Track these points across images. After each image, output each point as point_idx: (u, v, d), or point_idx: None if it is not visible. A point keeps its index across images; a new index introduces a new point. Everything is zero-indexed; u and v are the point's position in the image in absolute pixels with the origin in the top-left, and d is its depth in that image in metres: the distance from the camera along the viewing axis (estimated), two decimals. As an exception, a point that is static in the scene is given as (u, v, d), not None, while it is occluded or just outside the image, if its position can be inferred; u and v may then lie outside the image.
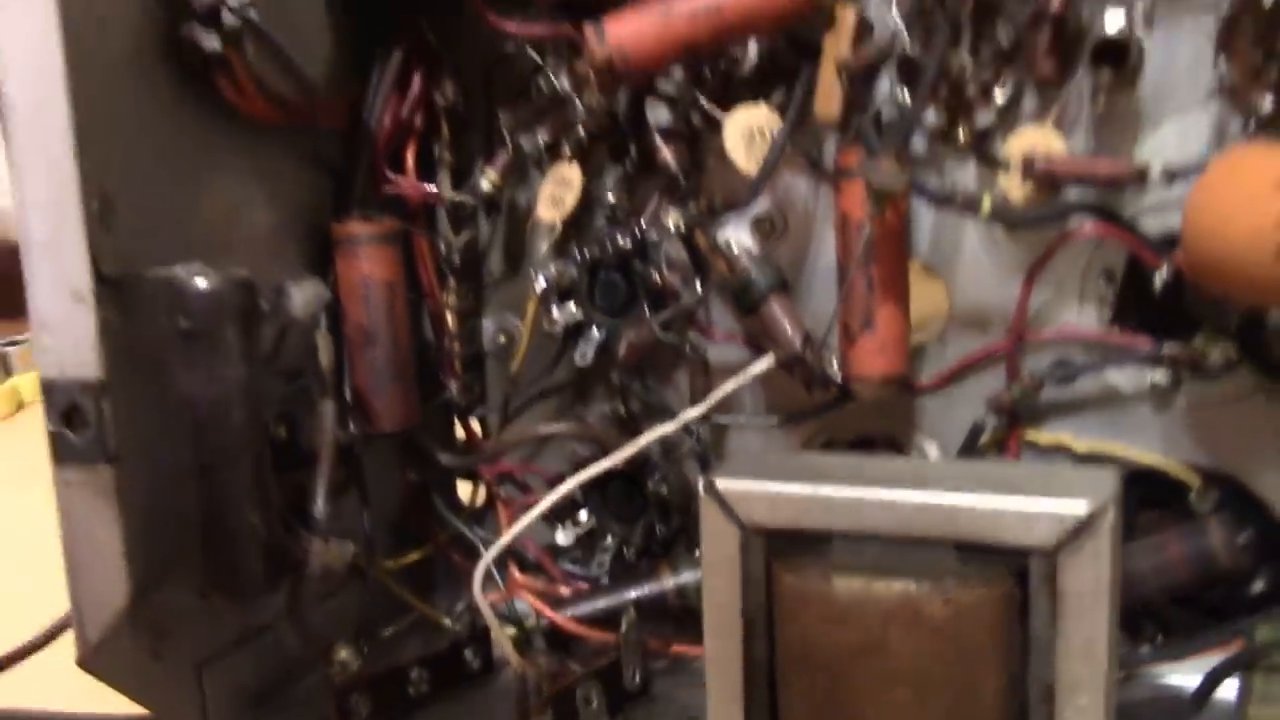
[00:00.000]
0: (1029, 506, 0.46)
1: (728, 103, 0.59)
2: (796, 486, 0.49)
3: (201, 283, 0.49)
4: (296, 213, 0.62)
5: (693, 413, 0.59)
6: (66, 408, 0.48)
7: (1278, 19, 0.51)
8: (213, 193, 0.56)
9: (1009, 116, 0.56)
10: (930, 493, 0.47)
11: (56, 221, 0.47)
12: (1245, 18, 0.52)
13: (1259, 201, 0.46)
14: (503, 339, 0.69)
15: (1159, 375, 0.57)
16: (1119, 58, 0.52)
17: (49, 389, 0.49)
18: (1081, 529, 0.46)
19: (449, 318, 0.67)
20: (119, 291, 0.49)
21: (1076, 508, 0.45)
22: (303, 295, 0.52)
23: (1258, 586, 0.58)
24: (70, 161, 0.47)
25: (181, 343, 0.49)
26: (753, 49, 0.59)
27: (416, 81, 0.64)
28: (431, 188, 0.65)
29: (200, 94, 0.54)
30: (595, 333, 0.64)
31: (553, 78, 0.63)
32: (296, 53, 0.56)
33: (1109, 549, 0.45)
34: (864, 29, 0.57)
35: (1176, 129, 0.55)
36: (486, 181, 0.65)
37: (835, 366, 0.58)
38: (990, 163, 0.56)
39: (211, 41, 0.53)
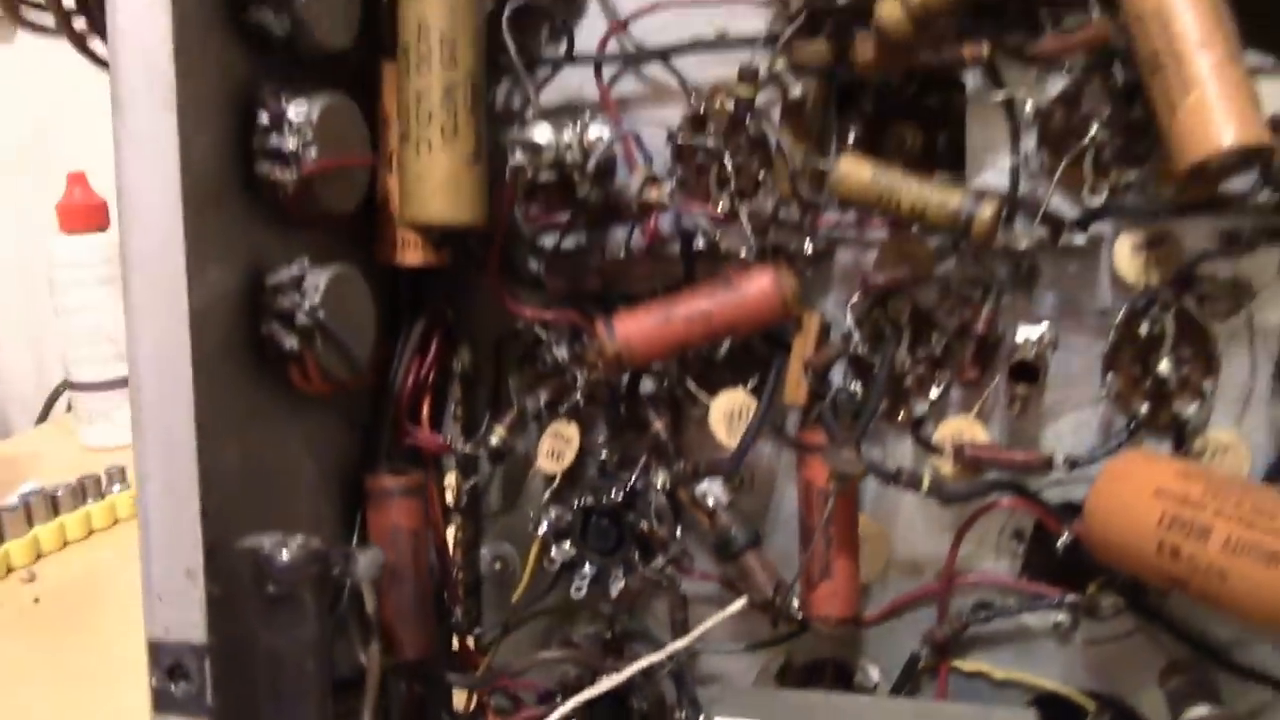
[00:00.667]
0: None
1: (706, 382, 0.71)
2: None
3: (284, 554, 0.58)
4: (334, 467, 0.71)
5: (679, 644, 0.70)
6: (171, 665, 0.57)
7: (1150, 347, 0.65)
8: (275, 458, 0.65)
9: (939, 406, 0.69)
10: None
11: (175, 509, 0.56)
12: (1126, 344, 0.66)
13: (1143, 503, 0.60)
14: (499, 565, 0.79)
15: (1061, 616, 0.70)
16: (1031, 376, 0.66)
17: (155, 649, 0.57)
18: (1014, 767, 0.57)
19: (453, 550, 0.77)
20: (214, 561, 0.58)
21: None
22: (366, 560, 0.62)
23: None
24: (190, 452, 0.56)
25: (267, 606, 0.58)
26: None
27: (434, 347, 0.75)
28: (444, 439, 0.75)
29: (274, 378, 0.64)
30: (587, 568, 0.74)
31: (556, 350, 0.74)
32: (351, 340, 0.66)
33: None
34: (825, 331, 0.69)
35: (1073, 424, 0.68)
36: (496, 437, 0.75)
37: (798, 607, 0.70)
38: (924, 445, 0.69)
39: (290, 340, 0.62)
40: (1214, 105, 0.57)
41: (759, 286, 0.67)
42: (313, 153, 0.61)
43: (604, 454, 0.74)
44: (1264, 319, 0.66)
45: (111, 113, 0.56)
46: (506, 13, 0.69)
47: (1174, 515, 0.58)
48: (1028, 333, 0.67)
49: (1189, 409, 0.66)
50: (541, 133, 0.66)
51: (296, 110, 0.61)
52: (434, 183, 0.65)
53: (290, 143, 0.60)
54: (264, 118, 0.61)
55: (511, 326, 0.75)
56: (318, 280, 0.62)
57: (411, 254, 0.71)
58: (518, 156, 0.67)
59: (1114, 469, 0.62)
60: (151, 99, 0.55)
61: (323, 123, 0.61)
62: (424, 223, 0.66)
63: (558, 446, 0.74)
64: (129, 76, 0.55)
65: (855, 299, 0.68)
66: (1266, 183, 0.62)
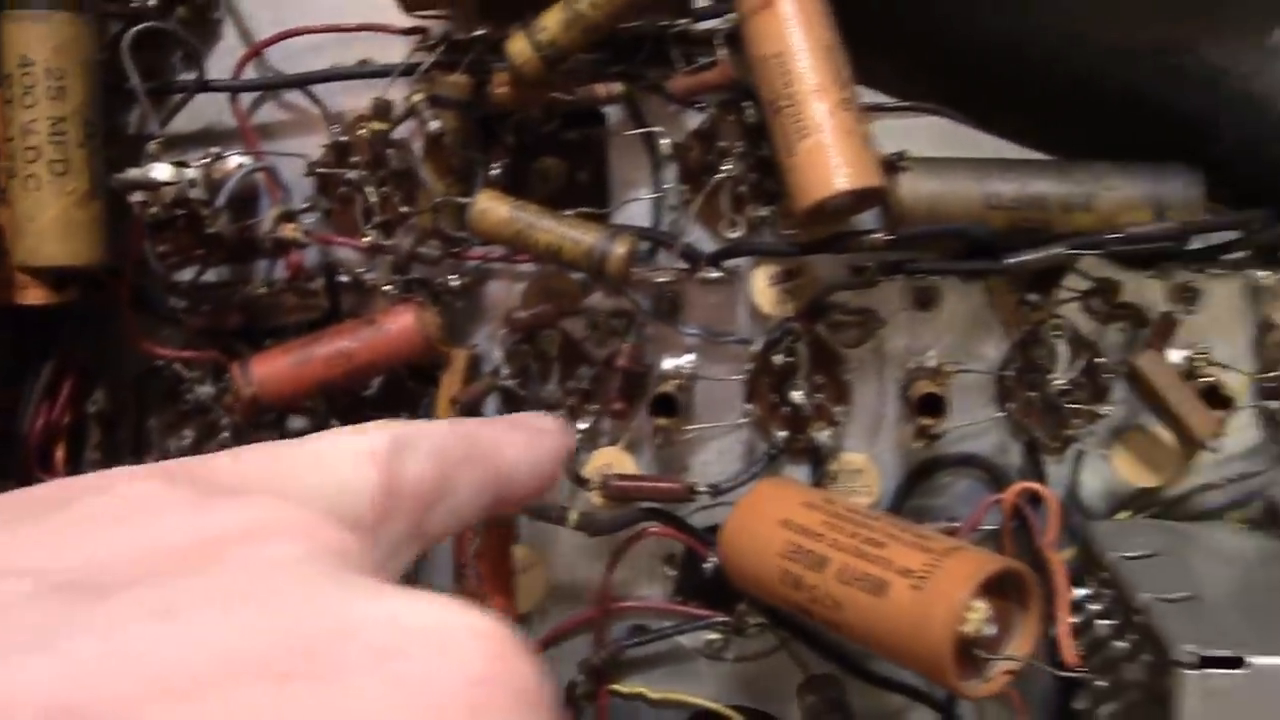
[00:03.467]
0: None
1: (357, 418, 0.70)
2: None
3: None
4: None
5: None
6: None
7: (785, 375, 0.68)
8: None
9: (592, 438, 0.70)
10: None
11: None
12: (763, 373, 0.68)
13: (770, 533, 0.61)
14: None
15: (713, 636, 0.72)
16: (670, 408, 0.67)
17: None
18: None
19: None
20: None
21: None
22: None
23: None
24: None
25: None
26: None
27: (67, 388, 0.70)
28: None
29: None
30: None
31: (200, 389, 0.71)
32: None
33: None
34: (474, 367, 0.69)
35: (718, 451, 0.70)
36: (136, 481, 0.71)
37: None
38: (575, 478, 0.69)
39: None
40: (829, 149, 0.59)
41: (400, 324, 0.65)
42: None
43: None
44: (891, 347, 0.69)
45: None
46: (128, 39, 0.65)
47: (796, 545, 0.60)
48: (672, 363, 0.68)
49: (824, 434, 0.68)
50: (160, 170, 0.63)
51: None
52: (44, 222, 0.61)
53: None
54: None
55: (151, 365, 0.71)
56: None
57: (31, 294, 0.66)
58: (136, 194, 0.63)
59: (745, 500, 0.64)
60: None
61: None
62: (35, 265, 0.62)
63: (204, 489, 0.71)
64: None
65: (503, 333, 0.68)
66: (886, 221, 0.65)
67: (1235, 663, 0.49)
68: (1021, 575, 0.57)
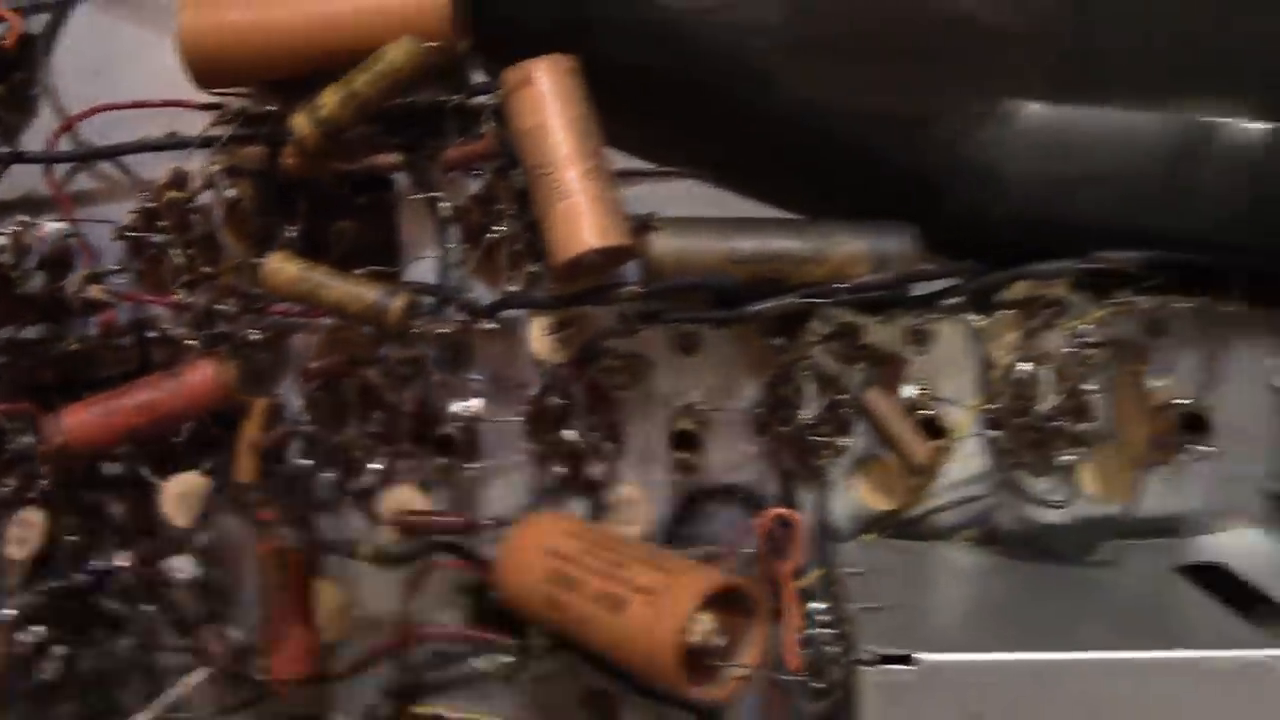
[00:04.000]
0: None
1: (170, 466, 0.75)
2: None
3: None
4: None
5: (141, 718, 0.73)
6: None
7: (561, 416, 0.74)
8: None
9: (387, 477, 0.76)
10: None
11: None
12: (540, 415, 0.75)
13: (536, 560, 0.68)
14: (-26, 653, 0.79)
15: (505, 659, 0.78)
16: (450, 448, 0.73)
17: None
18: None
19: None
20: None
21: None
22: None
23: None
24: None
25: None
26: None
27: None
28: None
29: None
30: (58, 650, 0.76)
31: (20, 439, 0.75)
32: None
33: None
34: (275, 413, 0.75)
35: (504, 487, 0.77)
36: (-46, 526, 0.76)
37: (260, 671, 0.74)
38: (371, 515, 0.75)
39: None
40: (581, 211, 0.67)
41: (199, 376, 0.71)
42: None
43: (71, 538, 0.77)
44: (659, 388, 0.76)
45: None
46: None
47: (556, 570, 0.66)
48: (459, 407, 0.75)
49: (598, 470, 0.75)
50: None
51: None
52: None
53: None
54: None
55: (-29, 416, 0.76)
56: None
57: None
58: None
59: (516, 531, 0.70)
60: None
61: None
62: None
63: (23, 533, 0.76)
64: None
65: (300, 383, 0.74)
66: (642, 275, 0.72)
67: (906, 660, 0.56)
68: (748, 591, 0.64)
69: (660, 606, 0.61)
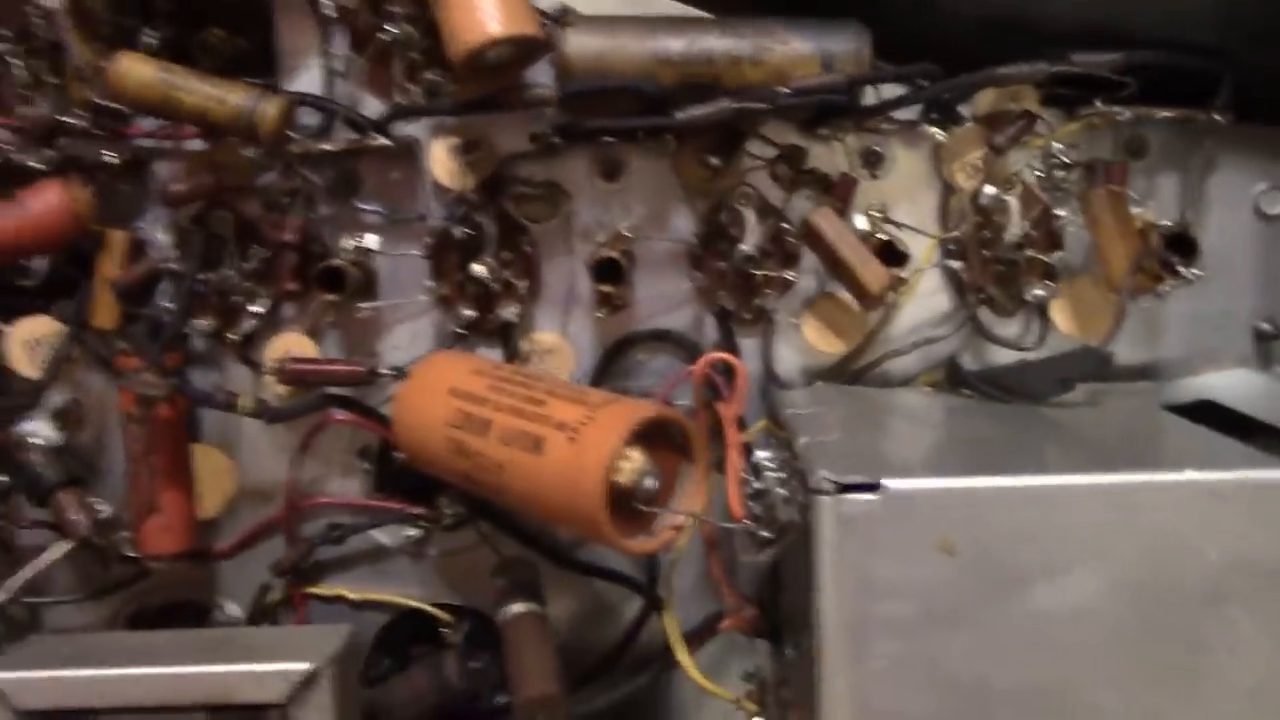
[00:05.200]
0: (261, 668, 0.55)
1: (21, 313, 0.65)
2: (62, 671, 0.55)
3: None
4: None
5: (-10, 598, 0.63)
6: None
7: (469, 250, 0.65)
8: None
9: (270, 323, 0.66)
10: (179, 666, 0.55)
11: None
12: (446, 250, 0.65)
13: (437, 403, 0.59)
14: None
15: (412, 531, 0.69)
16: (339, 283, 0.64)
17: None
18: (307, 684, 0.56)
19: None
20: None
21: (301, 667, 0.55)
22: None
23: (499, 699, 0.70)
24: None
25: None
26: (39, 264, 0.65)
27: None
28: None
29: None
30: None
31: None
32: None
33: (331, 700, 0.56)
34: (137, 249, 0.65)
35: (408, 333, 0.67)
36: None
37: (129, 545, 0.65)
38: (251, 364, 0.66)
39: None
40: (483, -3, 0.57)
41: (45, 202, 0.61)
42: None
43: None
44: (580, 221, 0.67)
45: None
46: None
47: (461, 412, 0.58)
48: (351, 242, 0.65)
49: (512, 311, 0.66)
50: None
51: None
52: None
53: None
54: None
55: None
56: None
57: None
58: None
59: (415, 371, 0.61)
60: None
61: None
62: None
63: None
64: None
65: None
66: (555, 79, 0.63)
67: (871, 488, 0.48)
68: (683, 426, 0.56)
69: (583, 443, 0.53)
